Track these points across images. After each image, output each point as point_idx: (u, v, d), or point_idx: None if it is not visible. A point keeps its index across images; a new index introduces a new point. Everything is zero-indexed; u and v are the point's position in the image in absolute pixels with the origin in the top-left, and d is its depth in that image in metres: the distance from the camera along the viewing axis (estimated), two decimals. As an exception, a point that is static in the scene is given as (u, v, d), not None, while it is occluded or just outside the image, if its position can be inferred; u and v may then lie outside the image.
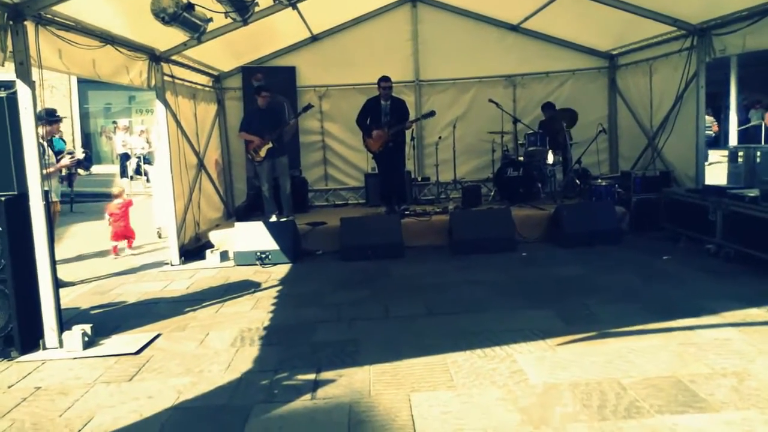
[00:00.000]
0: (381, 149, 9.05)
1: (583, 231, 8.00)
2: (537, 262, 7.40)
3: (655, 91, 9.40)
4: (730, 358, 4.16)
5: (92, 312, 6.21)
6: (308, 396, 3.93)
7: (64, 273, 7.16)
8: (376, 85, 9.08)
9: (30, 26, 4.97)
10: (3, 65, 4.76)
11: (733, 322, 4.90)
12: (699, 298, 5.58)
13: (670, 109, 8.82)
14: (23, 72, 4.85)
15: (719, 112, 21.61)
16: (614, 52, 10.53)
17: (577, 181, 9.90)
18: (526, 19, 10.08)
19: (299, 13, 8.62)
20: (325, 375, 4.25)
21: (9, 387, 4.34)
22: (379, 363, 4.39)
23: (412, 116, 9.41)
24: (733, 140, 18.25)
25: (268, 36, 9.51)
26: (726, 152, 10.83)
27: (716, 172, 10.84)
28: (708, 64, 8.21)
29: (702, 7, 7.57)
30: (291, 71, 10.67)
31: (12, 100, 4.90)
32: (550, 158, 9.70)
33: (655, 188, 8.62)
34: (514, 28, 10.64)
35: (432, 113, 9.30)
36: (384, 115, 9.03)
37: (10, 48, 4.79)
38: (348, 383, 4.09)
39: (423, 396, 3.84)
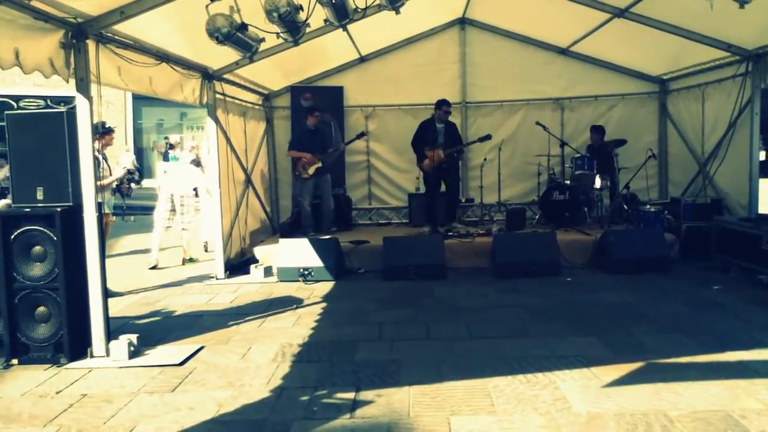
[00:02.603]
0: (436, 169, 9.15)
1: (631, 257, 7.83)
2: (582, 287, 7.28)
3: (707, 117, 9.20)
4: (784, 394, 4.01)
5: (139, 322, 6.34)
6: (347, 415, 3.93)
7: (113, 283, 7.33)
8: (435, 107, 9.31)
9: (91, 44, 5.18)
10: (68, 81, 4.95)
11: (787, 356, 4.73)
12: (751, 330, 5.40)
13: (723, 136, 8.62)
14: (83, 88, 5.03)
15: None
16: (665, 77, 10.36)
17: (625, 206, 9.72)
18: (575, 42, 10.03)
19: (348, 34, 8.74)
20: (365, 394, 4.24)
21: (57, 393, 4.46)
22: (420, 384, 4.37)
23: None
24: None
25: (318, 56, 9.67)
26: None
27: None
28: (763, 90, 8.02)
29: (757, 33, 7.40)
30: (339, 91, 10.80)
31: (71, 114, 5.06)
32: (598, 182, 9.56)
33: (705, 216, 8.41)
34: (563, 52, 10.58)
35: (488, 137, 9.39)
36: (439, 135, 9.24)
37: (73, 65, 4.99)
38: (387, 403, 4.07)
39: (463, 420, 3.80)
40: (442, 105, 9.25)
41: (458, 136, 9.48)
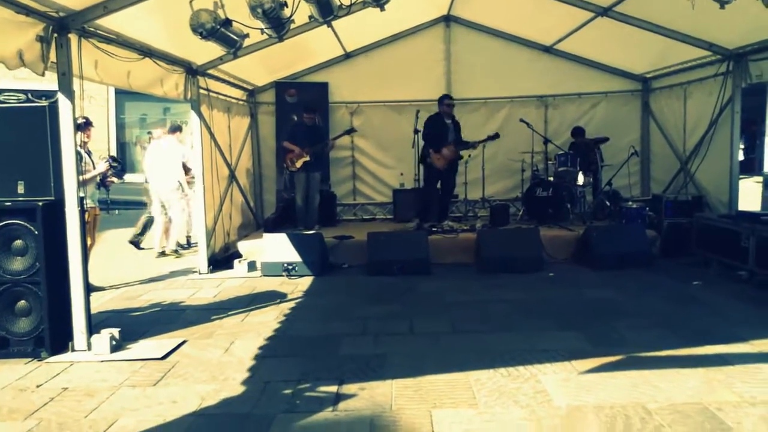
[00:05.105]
0: (446, 167, 9.21)
1: (613, 253, 7.91)
2: (564, 283, 7.34)
3: (689, 115, 9.30)
4: (759, 387, 4.07)
5: (121, 317, 6.31)
6: (330, 408, 3.94)
7: (95, 278, 7.28)
8: (438, 102, 9.35)
9: (73, 39, 5.13)
10: (43, 75, 4.91)
11: (763, 350, 4.79)
12: (729, 324, 5.48)
13: (704, 134, 8.72)
14: (65, 82, 5.00)
15: (755, 138, 21.28)
16: (648, 76, 10.46)
17: (607, 202, 9.81)
18: (559, 40, 10.09)
19: (333, 30, 8.73)
20: (348, 388, 4.26)
21: (38, 386, 4.43)
22: (402, 378, 4.39)
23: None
24: (768, 166, 17.90)
25: (302, 52, 9.65)
26: (761, 179, 10.66)
27: (750, 198, 10.66)
28: (744, 89, 8.12)
29: (739, 33, 7.49)
30: (323, 87, 10.79)
31: (53, 108, 5.03)
32: (581, 179, 9.63)
33: (686, 212, 8.51)
34: (547, 50, 10.64)
35: (497, 135, 9.44)
36: (449, 132, 9.29)
37: (52, 59, 4.94)
38: (370, 397, 4.09)
39: (445, 413, 3.82)
40: (445, 99, 9.31)
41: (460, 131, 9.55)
